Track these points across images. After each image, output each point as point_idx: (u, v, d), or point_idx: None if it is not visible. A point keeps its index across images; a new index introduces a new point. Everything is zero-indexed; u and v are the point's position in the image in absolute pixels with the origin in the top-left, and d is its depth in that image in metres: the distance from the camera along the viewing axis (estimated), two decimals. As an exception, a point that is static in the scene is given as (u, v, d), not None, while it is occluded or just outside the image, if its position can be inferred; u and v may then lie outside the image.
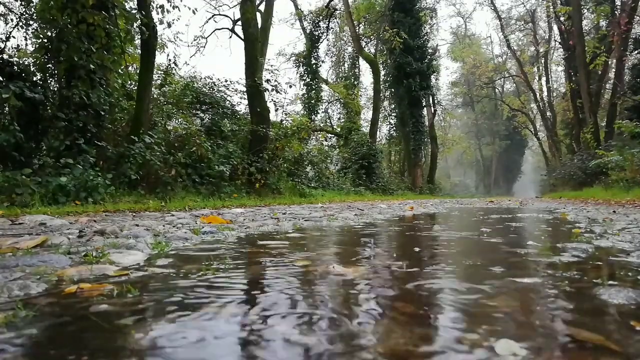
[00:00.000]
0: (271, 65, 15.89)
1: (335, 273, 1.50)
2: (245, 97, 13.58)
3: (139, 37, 9.68)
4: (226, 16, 30.78)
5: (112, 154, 8.25)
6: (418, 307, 1.09)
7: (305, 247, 2.31)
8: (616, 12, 21.91)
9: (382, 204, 10.50)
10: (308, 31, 28.62)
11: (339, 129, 27.43)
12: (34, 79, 7.92)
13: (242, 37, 14.37)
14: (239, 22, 18.06)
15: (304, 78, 27.55)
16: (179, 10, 19.10)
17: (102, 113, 8.12)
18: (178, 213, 5.42)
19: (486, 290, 1.25)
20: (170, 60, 14.43)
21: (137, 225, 3.30)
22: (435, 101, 31.95)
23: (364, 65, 30.59)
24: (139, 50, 10.46)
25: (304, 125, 15.98)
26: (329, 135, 27.36)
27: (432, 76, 29.85)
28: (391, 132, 32.15)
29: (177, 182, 9.11)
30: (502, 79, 45.42)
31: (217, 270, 1.54)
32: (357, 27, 26.95)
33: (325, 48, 32.00)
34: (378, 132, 29.22)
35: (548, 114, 35.94)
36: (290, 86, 18.14)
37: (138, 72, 10.56)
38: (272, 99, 14.40)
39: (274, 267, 1.64)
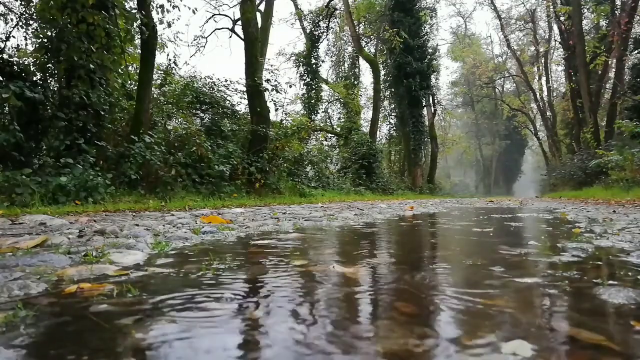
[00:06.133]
0: (271, 65, 15.89)
1: (335, 273, 1.50)
2: (245, 97, 13.58)
3: (139, 37, 9.67)
4: (226, 16, 31.00)
5: (112, 153, 8.25)
6: (418, 306, 1.09)
7: (305, 246, 2.31)
8: (616, 12, 21.89)
9: (382, 203, 10.50)
10: (308, 31, 28.59)
11: (339, 129, 27.40)
12: (34, 78, 7.92)
13: (242, 37, 14.36)
14: (239, 22, 18.05)
15: (304, 78, 27.53)
16: (179, 10, 19.14)
17: (102, 113, 8.12)
18: (178, 213, 5.42)
19: (486, 290, 1.25)
20: (170, 60, 14.47)
21: (137, 225, 3.29)
22: (435, 101, 31.94)
23: (364, 65, 30.60)
24: (139, 50, 10.46)
25: (304, 125, 15.98)
26: (329, 135, 27.33)
27: (432, 76, 29.83)
28: (391, 132, 32.13)
29: (177, 181, 9.11)
30: (502, 78, 45.37)
31: (217, 270, 1.54)
32: (357, 27, 26.91)
33: (325, 48, 32.00)
34: (378, 132, 29.19)
35: (548, 113, 35.92)
36: (290, 86, 18.18)
37: (138, 72, 10.56)
38: (272, 99, 14.40)
39: (274, 267, 1.64)
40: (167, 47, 15.09)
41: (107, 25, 8.03)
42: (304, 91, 27.43)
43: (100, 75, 8.08)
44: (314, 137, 23.75)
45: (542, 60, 36.03)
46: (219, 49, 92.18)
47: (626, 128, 14.36)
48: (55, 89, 8.13)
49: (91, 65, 7.76)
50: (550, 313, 1.01)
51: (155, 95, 11.81)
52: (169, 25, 10.22)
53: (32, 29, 8.62)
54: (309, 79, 27.49)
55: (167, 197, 8.16)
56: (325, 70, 32.58)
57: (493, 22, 71.11)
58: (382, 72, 28.08)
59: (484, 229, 3.38)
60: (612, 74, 23.71)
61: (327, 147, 24.46)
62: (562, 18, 25.54)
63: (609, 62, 22.37)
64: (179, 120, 12.32)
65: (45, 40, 7.90)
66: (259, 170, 11.65)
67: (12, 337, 0.84)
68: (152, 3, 9.70)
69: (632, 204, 7.91)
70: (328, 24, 28.88)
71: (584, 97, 21.23)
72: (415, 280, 1.41)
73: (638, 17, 20.58)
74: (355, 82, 29.53)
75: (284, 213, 5.57)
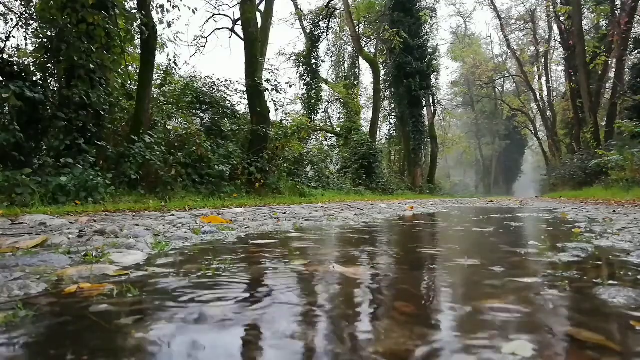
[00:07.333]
0: (271, 65, 15.89)
1: (335, 273, 1.50)
2: (245, 97, 13.58)
3: (139, 37, 9.67)
4: (226, 16, 31.04)
5: (112, 153, 8.25)
6: (418, 306, 1.09)
7: (305, 246, 2.31)
8: (616, 11, 21.88)
9: (382, 203, 10.50)
10: (308, 31, 28.58)
11: (339, 129, 27.40)
12: (34, 78, 7.91)
13: (242, 37, 14.37)
14: (239, 22, 18.03)
15: (304, 78, 27.51)
16: (179, 10, 19.13)
17: (102, 113, 8.12)
18: (178, 213, 5.42)
19: (486, 290, 1.25)
20: (170, 60, 14.46)
21: (137, 225, 3.29)
22: (435, 101, 31.95)
23: (364, 65, 30.60)
24: (139, 50, 10.46)
25: (304, 125, 15.98)
26: (329, 135, 27.33)
27: (432, 76, 29.85)
28: (391, 132, 32.15)
29: (177, 181, 9.11)
30: (502, 78, 45.38)
31: (217, 270, 1.54)
32: (357, 27, 26.91)
33: (325, 48, 31.97)
34: (378, 132, 29.22)
35: (548, 113, 35.93)
36: (290, 86, 18.18)
37: (138, 72, 10.56)
38: (272, 99, 14.41)
39: (274, 267, 1.64)
40: (167, 47, 15.09)
41: (107, 25, 8.03)
42: (304, 91, 27.43)
43: (100, 75, 8.08)
44: (314, 137, 23.75)
45: (542, 60, 36.03)
46: (219, 49, 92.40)
47: (626, 128, 14.36)
48: (55, 89, 8.12)
49: (91, 65, 7.76)
50: (550, 313, 1.01)
51: (155, 95, 11.81)
52: (169, 25, 10.23)
53: (32, 29, 8.61)
54: (309, 79, 27.48)
55: (167, 197, 8.16)
56: (325, 70, 32.60)
57: (493, 22, 71.28)
58: (382, 72, 28.08)
59: (484, 229, 3.38)
60: (612, 74, 23.70)
61: (327, 147, 24.46)
62: (562, 18, 25.54)
63: (609, 62, 22.37)
64: (179, 120, 12.33)
65: (45, 40, 7.90)
66: (259, 170, 11.65)
67: (12, 337, 0.84)
68: (152, 3, 9.70)
69: (632, 204, 7.91)
70: (328, 24, 28.87)
71: (584, 97, 21.22)
72: (415, 280, 1.41)
73: (638, 17, 20.59)
74: (355, 82, 29.54)
75: (284, 213, 5.57)
